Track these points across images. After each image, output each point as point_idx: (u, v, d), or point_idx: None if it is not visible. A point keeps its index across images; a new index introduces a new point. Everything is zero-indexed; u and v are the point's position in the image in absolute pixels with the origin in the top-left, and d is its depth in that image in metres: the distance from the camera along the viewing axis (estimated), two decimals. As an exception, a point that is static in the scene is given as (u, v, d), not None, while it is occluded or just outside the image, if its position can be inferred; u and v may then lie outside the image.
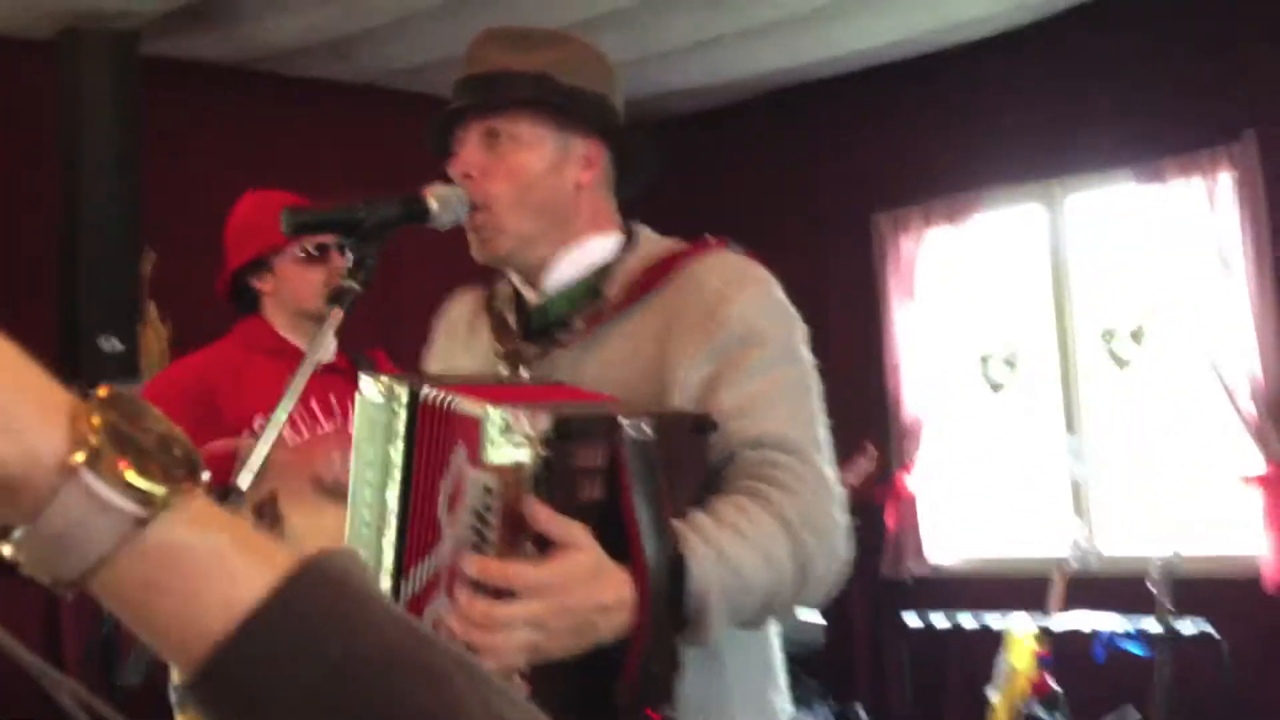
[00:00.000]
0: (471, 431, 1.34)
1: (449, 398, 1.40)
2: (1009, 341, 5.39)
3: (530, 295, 1.75)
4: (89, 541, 0.56)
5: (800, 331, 1.66)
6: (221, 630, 0.57)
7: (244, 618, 0.57)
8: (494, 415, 1.30)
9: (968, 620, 5.13)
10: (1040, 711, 4.58)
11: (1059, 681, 4.57)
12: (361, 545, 1.48)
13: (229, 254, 2.90)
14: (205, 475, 0.59)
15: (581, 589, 1.29)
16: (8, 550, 0.57)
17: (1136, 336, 5.10)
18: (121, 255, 4.32)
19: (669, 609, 1.34)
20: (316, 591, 0.58)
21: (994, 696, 4.65)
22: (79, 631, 4.55)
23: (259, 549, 0.59)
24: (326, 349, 2.67)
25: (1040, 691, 4.63)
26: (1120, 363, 5.12)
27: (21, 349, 0.58)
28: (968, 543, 5.51)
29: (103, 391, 0.58)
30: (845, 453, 5.60)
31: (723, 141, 6.19)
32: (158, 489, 0.57)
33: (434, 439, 1.42)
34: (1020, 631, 4.67)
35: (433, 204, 1.67)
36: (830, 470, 1.57)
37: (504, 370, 1.67)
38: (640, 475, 1.32)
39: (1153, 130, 4.87)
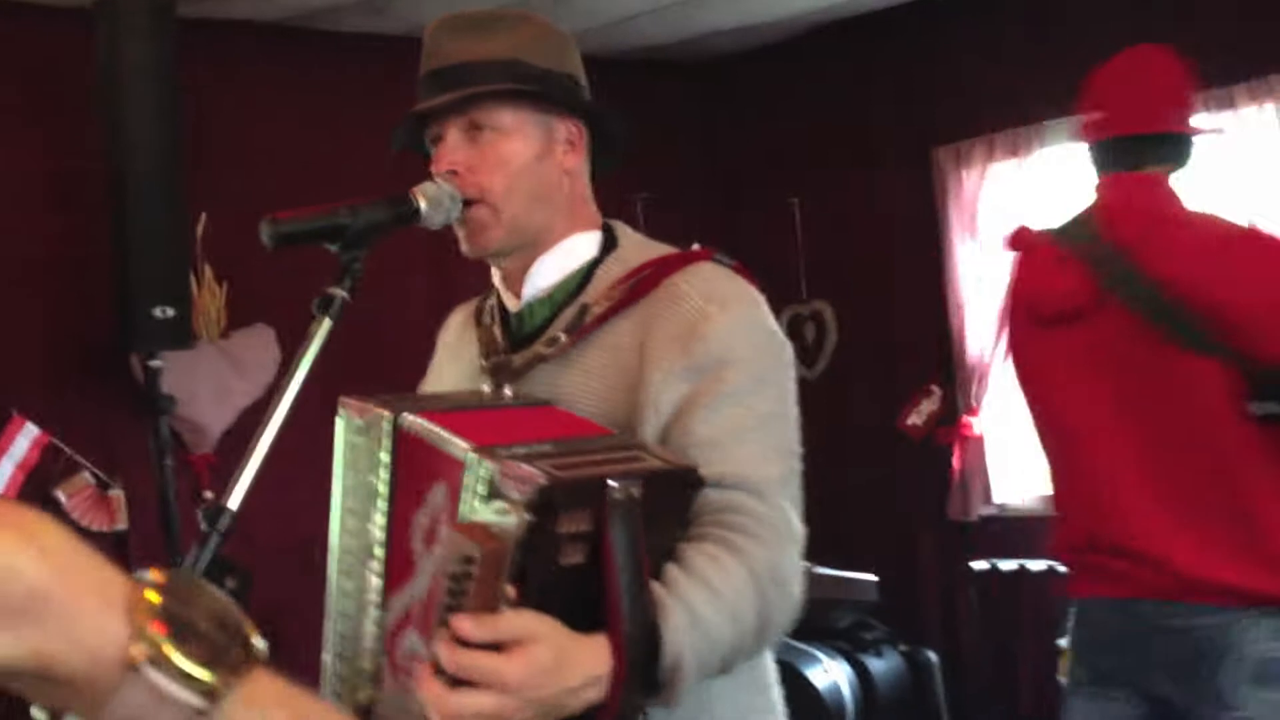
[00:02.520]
0: (454, 473, 1.31)
1: (431, 428, 1.36)
2: (1076, 278, 5.23)
3: (512, 303, 1.72)
4: None
5: (781, 355, 1.61)
6: None
7: None
8: (479, 467, 1.26)
9: (1037, 564, 5.05)
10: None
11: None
12: (345, 575, 1.46)
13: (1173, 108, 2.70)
14: (261, 645, 0.62)
15: (545, 680, 1.28)
16: None
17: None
18: (170, 221, 4.32)
19: (643, 678, 1.33)
20: None
21: (1064, 643, 4.58)
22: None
23: None
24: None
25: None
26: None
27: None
28: (1036, 485, 5.40)
29: (156, 574, 0.60)
30: (909, 393, 5.55)
31: (771, 80, 6.05)
32: (216, 678, 0.59)
33: (413, 470, 1.39)
34: (1091, 575, 4.58)
35: (422, 203, 1.63)
36: (794, 511, 1.54)
37: (487, 385, 1.63)
38: (623, 542, 1.29)
39: (1223, 53, 4.66)
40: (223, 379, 4.84)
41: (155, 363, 4.37)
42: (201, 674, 0.58)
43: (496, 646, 1.25)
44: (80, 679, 0.57)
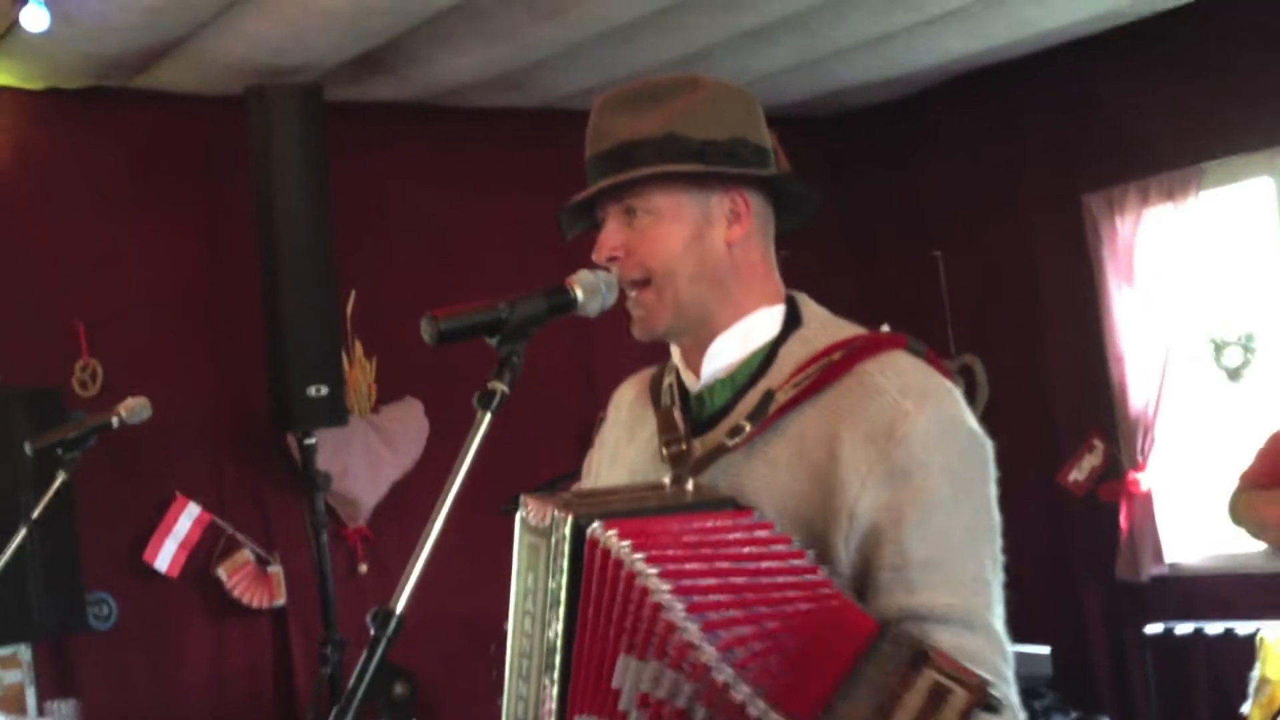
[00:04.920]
0: (706, 676, 1.27)
1: (649, 577, 1.30)
2: (1244, 324, 5.01)
3: (691, 380, 1.65)
4: None
5: (982, 456, 1.52)
6: None
7: None
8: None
9: (1214, 626, 4.81)
10: (1301, 725, 4.24)
11: (1321, 691, 4.22)
12: (521, 679, 1.43)
13: None
14: None
15: None
16: None
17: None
18: (322, 300, 4.40)
19: None
20: None
21: (1247, 709, 4.34)
22: (308, 666, 4.69)
23: None
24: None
25: (1300, 702, 4.29)
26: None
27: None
28: (1209, 543, 5.16)
29: None
30: (1069, 448, 5.35)
31: (912, 130, 5.95)
32: None
33: (609, 590, 1.33)
34: (1274, 637, 4.34)
35: (578, 293, 1.59)
36: (1003, 627, 1.48)
37: (667, 476, 1.56)
38: None
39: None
40: (374, 453, 4.90)
41: (310, 440, 4.43)
42: None
43: None
44: None
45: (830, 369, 1.52)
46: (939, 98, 5.76)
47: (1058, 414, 5.46)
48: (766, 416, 1.52)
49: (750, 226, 1.62)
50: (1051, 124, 5.48)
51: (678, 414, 1.64)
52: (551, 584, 1.37)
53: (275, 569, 4.67)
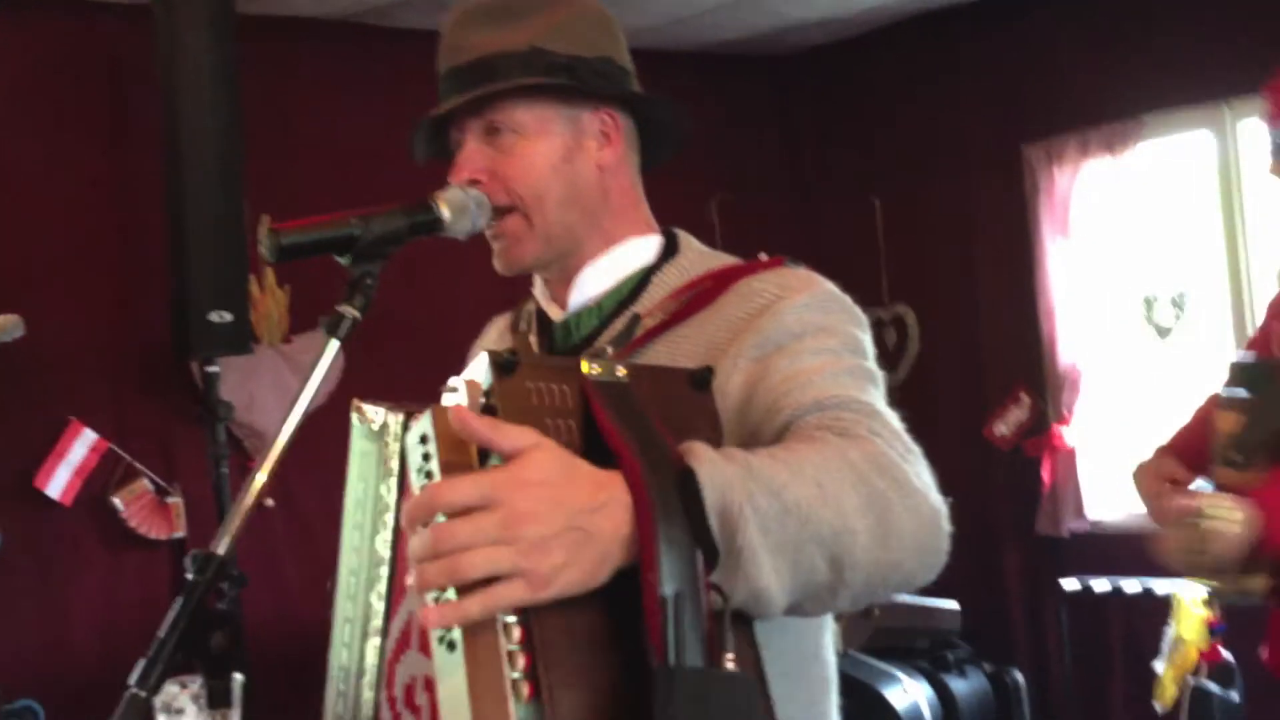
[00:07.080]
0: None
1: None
2: (1176, 282, 4.96)
3: (555, 312, 1.55)
4: None
5: (868, 333, 1.42)
6: None
7: None
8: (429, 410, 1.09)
9: (1131, 584, 4.79)
10: (1212, 685, 4.24)
11: (1233, 652, 4.22)
12: (349, 599, 1.31)
13: None
14: None
15: (548, 488, 1.01)
16: None
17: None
18: (228, 223, 4.21)
19: (684, 520, 1.03)
20: None
21: (1160, 667, 4.33)
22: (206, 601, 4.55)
23: None
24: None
25: (1212, 662, 4.28)
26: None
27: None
28: (1131, 500, 5.13)
29: None
30: (997, 401, 5.30)
31: (852, 75, 5.83)
32: None
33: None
34: (1189, 596, 4.32)
35: (444, 211, 1.46)
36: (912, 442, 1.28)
37: None
38: (620, 410, 1.08)
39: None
40: (284, 384, 4.74)
41: (213, 368, 4.27)
42: None
43: None
44: None
45: (704, 293, 1.43)
46: (881, 42, 5.63)
47: (988, 367, 5.41)
48: (631, 341, 1.42)
49: (621, 150, 1.53)
50: (993, 73, 5.39)
51: (533, 339, 1.55)
52: (382, 489, 1.27)
53: (175, 500, 4.51)
